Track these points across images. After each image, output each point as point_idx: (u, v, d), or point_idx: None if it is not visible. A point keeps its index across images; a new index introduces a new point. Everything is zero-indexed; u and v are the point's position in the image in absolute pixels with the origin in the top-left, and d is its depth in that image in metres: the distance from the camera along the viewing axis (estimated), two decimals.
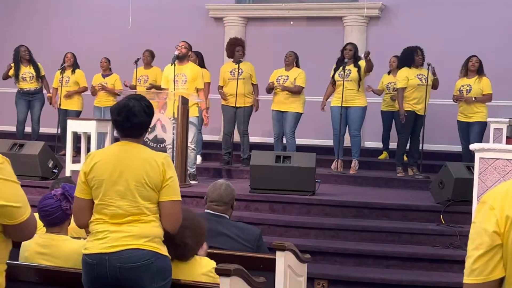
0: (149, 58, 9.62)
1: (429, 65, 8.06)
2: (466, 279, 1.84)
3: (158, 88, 9.02)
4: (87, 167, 3.19)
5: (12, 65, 9.65)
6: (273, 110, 8.66)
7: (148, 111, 3.23)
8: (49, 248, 3.44)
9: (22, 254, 3.52)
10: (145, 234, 3.09)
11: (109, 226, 3.12)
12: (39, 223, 3.76)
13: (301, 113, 8.54)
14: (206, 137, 9.80)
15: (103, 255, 3.07)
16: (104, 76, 9.78)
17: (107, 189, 3.13)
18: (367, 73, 8.34)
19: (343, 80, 8.18)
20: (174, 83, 7.47)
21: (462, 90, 8.21)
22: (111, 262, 3.06)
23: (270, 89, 8.63)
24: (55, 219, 3.44)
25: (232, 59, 8.90)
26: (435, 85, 8.26)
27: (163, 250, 3.15)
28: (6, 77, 9.73)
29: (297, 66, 8.63)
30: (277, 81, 8.56)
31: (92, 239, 3.15)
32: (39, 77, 9.72)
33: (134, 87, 9.47)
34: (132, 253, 3.06)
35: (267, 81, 8.69)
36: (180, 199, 3.20)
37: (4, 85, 10.46)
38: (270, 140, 9.43)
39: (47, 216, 3.44)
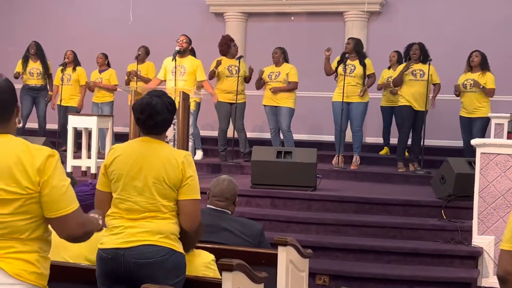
0: (143, 54, 9.58)
1: (430, 60, 8.05)
2: (505, 246, 1.82)
3: (146, 80, 9.05)
4: (108, 160, 3.20)
5: (21, 61, 9.67)
6: (265, 105, 8.64)
7: (170, 108, 3.22)
8: None
9: None
10: (160, 231, 3.09)
11: (125, 221, 3.12)
12: None
13: (294, 108, 8.54)
14: (202, 133, 9.74)
15: (119, 250, 3.07)
16: (100, 71, 9.77)
17: (125, 183, 3.13)
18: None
19: (344, 75, 8.17)
20: (174, 75, 7.56)
21: (465, 85, 8.19)
22: (126, 257, 3.06)
23: (260, 85, 8.63)
24: (84, 207, 3.41)
25: (226, 56, 8.75)
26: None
27: (178, 247, 3.15)
28: (17, 75, 9.68)
29: (286, 61, 8.61)
30: (268, 77, 8.55)
31: (108, 234, 3.14)
32: (46, 74, 9.72)
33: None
34: (147, 249, 3.06)
35: None
36: (200, 198, 3.18)
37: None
38: (262, 135, 9.40)
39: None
